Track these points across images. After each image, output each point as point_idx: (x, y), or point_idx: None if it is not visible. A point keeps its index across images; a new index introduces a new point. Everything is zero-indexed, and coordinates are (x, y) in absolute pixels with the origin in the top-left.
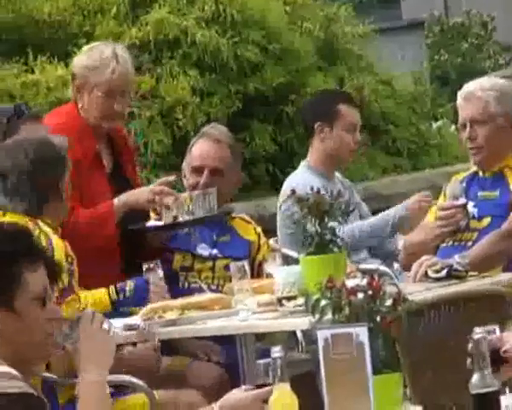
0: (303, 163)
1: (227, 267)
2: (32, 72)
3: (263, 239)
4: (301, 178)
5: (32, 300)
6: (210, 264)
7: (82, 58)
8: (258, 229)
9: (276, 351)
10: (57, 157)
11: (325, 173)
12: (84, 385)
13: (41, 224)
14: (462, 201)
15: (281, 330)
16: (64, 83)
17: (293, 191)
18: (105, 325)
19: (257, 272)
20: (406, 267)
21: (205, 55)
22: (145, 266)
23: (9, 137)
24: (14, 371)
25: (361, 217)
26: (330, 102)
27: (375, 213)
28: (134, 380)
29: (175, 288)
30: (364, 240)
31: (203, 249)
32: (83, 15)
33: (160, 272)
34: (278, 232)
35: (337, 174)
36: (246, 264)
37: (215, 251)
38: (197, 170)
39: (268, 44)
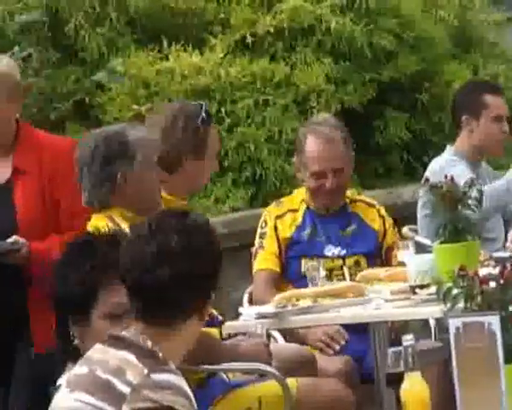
0: (450, 147)
1: (357, 263)
2: (167, 59)
3: (388, 222)
4: (446, 162)
5: (105, 315)
6: (340, 262)
7: None
8: (382, 211)
9: (408, 339)
10: (124, 150)
11: (471, 162)
12: None
13: (117, 220)
14: None
15: (413, 319)
16: (198, 71)
17: (427, 179)
18: None
19: (386, 258)
20: None
21: (339, 42)
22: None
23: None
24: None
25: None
26: (476, 93)
27: None
28: (267, 368)
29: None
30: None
31: (330, 250)
32: (217, 3)
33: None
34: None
35: (483, 163)
36: None
37: (343, 251)
38: (318, 174)
39: (402, 32)
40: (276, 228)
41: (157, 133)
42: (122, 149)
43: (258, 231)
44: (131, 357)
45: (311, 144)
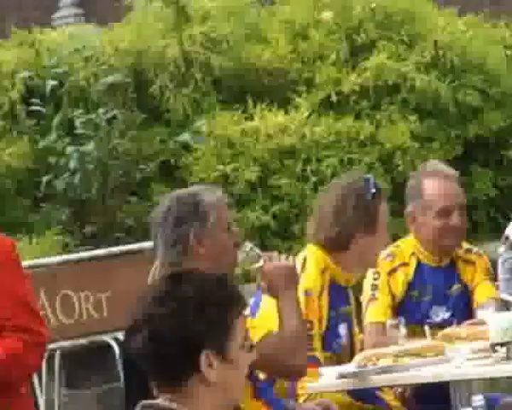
0: None
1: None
2: (252, 119)
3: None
4: None
5: (241, 347)
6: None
7: None
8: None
9: (477, 400)
10: (196, 211)
11: None
12: None
13: None
14: None
15: (494, 376)
16: (283, 130)
17: (507, 237)
18: None
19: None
20: None
21: (424, 99)
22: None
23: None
24: None
25: None
26: None
27: None
28: None
29: None
30: None
31: (437, 314)
32: (302, 62)
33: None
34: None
35: None
36: None
37: (448, 314)
38: (444, 210)
39: (487, 88)
40: (388, 284)
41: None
42: (194, 211)
43: (371, 282)
44: None
45: (432, 185)
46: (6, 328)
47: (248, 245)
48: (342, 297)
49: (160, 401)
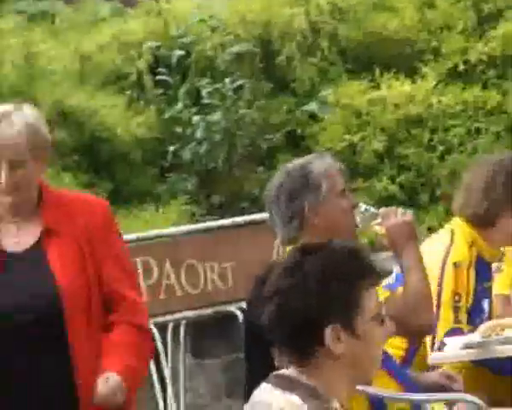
0: None
1: None
2: (379, 88)
3: None
4: None
5: (372, 320)
6: None
7: None
8: None
9: None
10: (307, 183)
11: None
12: None
13: None
14: None
15: None
16: (410, 99)
17: None
18: None
19: None
20: None
21: None
22: None
23: None
24: None
25: None
26: None
27: None
28: (472, 398)
29: None
30: None
31: None
32: (429, 31)
33: None
34: None
35: None
36: None
37: None
38: None
39: None
40: None
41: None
42: (305, 183)
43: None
44: (295, 398)
45: None
46: (119, 310)
47: (363, 206)
48: (487, 272)
49: (290, 371)
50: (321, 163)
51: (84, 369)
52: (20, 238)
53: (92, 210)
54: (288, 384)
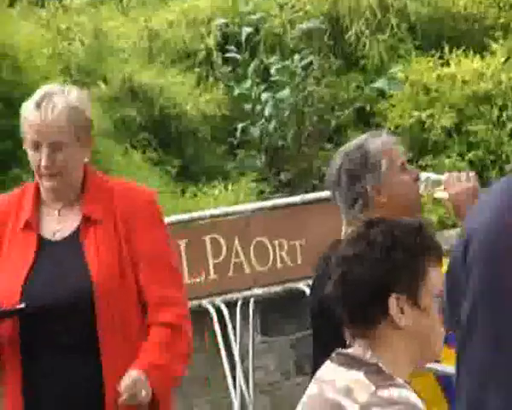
0: None
1: None
2: (448, 65)
3: None
4: None
5: (436, 297)
6: None
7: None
8: None
9: None
10: (367, 162)
11: None
12: None
13: None
14: None
15: None
16: (480, 76)
17: None
18: None
19: None
20: None
21: None
22: None
23: None
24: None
25: None
26: None
27: None
28: None
29: None
30: None
31: None
32: (498, 7)
33: None
34: None
35: None
36: None
37: None
38: None
39: None
40: None
41: None
42: (364, 164)
43: None
44: (359, 375)
45: None
46: (152, 310)
47: (424, 174)
48: None
49: (353, 350)
50: (377, 141)
51: (111, 367)
52: (60, 225)
53: (134, 198)
54: (352, 362)
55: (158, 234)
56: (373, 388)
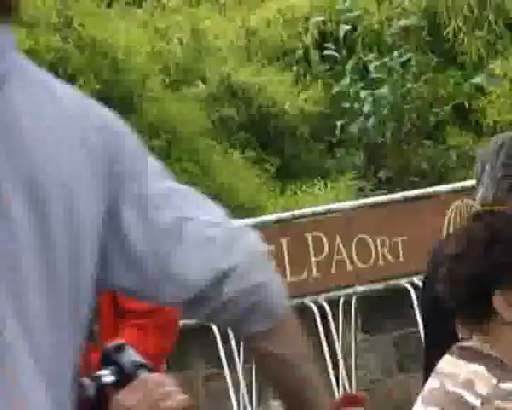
0: None
1: None
2: None
3: None
4: None
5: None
6: None
7: None
8: None
9: None
10: None
11: None
12: None
13: None
14: None
15: None
16: None
17: None
18: None
19: None
20: None
21: None
22: None
23: None
24: None
25: None
26: None
27: None
28: None
29: None
30: None
31: None
32: None
33: None
34: None
35: None
36: None
37: None
38: None
39: None
40: None
41: None
42: None
43: None
44: (481, 368)
45: None
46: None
47: None
48: None
49: (473, 342)
50: None
51: None
52: None
53: None
54: (472, 355)
55: None
56: (494, 380)
